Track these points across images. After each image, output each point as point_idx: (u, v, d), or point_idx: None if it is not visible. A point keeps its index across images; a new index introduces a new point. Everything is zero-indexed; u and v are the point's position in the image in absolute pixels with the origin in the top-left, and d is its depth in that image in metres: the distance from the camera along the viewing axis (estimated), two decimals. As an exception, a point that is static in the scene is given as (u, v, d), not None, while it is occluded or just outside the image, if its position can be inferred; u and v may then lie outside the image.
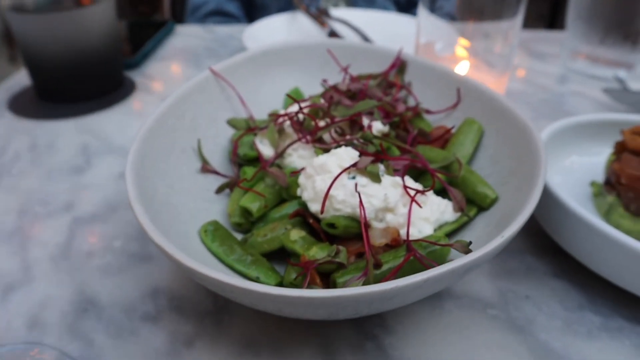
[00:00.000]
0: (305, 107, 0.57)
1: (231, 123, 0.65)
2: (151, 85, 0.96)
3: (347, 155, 0.49)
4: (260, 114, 0.68)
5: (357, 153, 0.49)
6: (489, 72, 0.78)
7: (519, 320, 0.47)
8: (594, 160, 0.65)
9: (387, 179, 0.47)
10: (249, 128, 0.63)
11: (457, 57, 0.80)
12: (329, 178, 0.46)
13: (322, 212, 0.45)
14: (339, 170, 0.47)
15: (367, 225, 0.46)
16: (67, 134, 0.79)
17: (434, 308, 0.48)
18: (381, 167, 0.49)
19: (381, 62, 0.72)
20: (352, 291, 0.33)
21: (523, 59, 1.10)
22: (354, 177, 0.46)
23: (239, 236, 0.52)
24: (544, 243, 0.56)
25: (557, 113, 0.86)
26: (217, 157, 0.62)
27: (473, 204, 0.51)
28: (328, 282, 0.44)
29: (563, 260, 0.54)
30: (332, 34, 1.12)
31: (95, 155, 0.73)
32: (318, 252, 0.43)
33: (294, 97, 0.70)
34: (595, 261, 0.49)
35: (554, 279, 0.52)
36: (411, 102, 0.68)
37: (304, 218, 0.48)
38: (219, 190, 0.57)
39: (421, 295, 0.37)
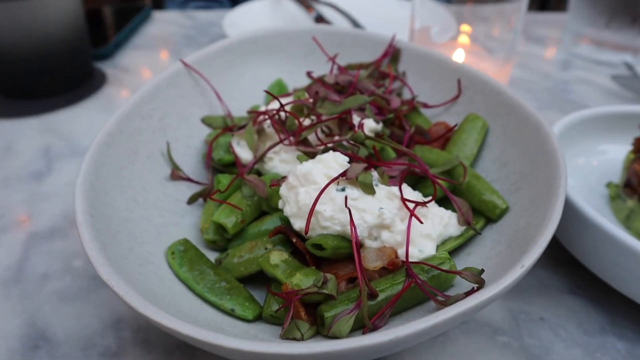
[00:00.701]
0: (288, 103, 0.50)
1: (206, 121, 0.58)
2: (124, 78, 0.89)
3: (335, 161, 0.42)
4: (239, 110, 0.61)
5: (346, 159, 0.43)
6: (490, 60, 0.71)
7: (534, 348, 0.42)
8: (609, 158, 0.59)
9: (381, 190, 0.41)
10: (226, 127, 0.57)
11: (456, 43, 0.73)
12: (315, 190, 0.40)
13: (306, 232, 0.38)
14: (326, 181, 0.40)
15: (360, 245, 0.39)
16: (27, 134, 0.71)
17: (437, 335, 0.42)
18: (375, 174, 0.43)
19: (372, 50, 0.65)
20: (342, 345, 0.26)
21: (521, 43, 1.04)
22: (343, 189, 0.40)
23: (213, 255, 0.45)
24: (558, 254, 0.50)
25: (562, 103, 0.80)
26: (190, 161, 0.55)
27: (480, 214, 0.45)
28: (315, 313, 0.37)
29: (580, 274, 0.48)
30: (319, 19, 1.05)
31: (57, 159, 0.66)
32: (303, 280, 0.37)
33: (275, 91, 0.64)
34: (616, 276, 0.43)
35: (570, 297, 0.46)
36: (406, 95, 0.61)
37: (287, 236, 0.42)
38: (191, 200, 0.50)
39: (424, 339, 0.31)
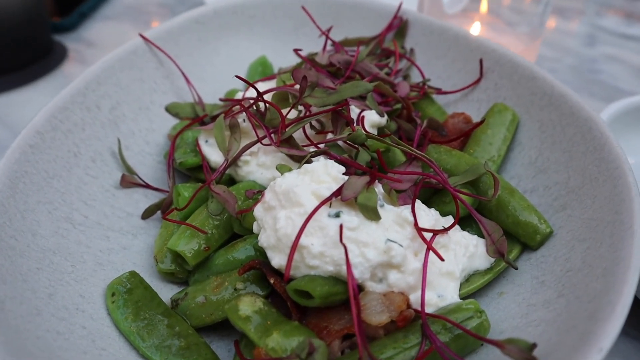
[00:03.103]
0: (267, 91, 0.40)
1: (171, 110, 0.47)
2: (88, 53, 0.78)
3: (326, 173, 0.32)
4: (213, 96, 0.50)
5: (341, 169, 0.33)
6: (512, 35, 0.60)
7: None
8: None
9: (388, 213, 0.31)
10: (196, 117, 0.46)
11: (471, 15, 0.62)
12: (299, 215, 0.30)
13: (286, 278, 0.28)
14: (314, 202, 0.30)
15: (360, 289, 0.29)
16: (-34, 121, 0.61)
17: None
18: (379, 189, 0.33)
19: (373, 22, 0.54)
20: None
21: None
22: (337, 214, 0.30)
23: (171, 288, 0.35)
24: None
25: (591, 85, 0.69)
26: (149, 162, 0.45)
27: (513, 238, 0.35)
28: (299, 383, 0.28)
29: (634, 310, 0.38)
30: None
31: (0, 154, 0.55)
32: (281, 343, 0.27)
33: (258, 72, 0.53)
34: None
35: (624, 341, 0.37)
36: (414, 78, 0.51)
37: (262, 272, 0.32)
38: (146, 215, 0.40)
39: None
